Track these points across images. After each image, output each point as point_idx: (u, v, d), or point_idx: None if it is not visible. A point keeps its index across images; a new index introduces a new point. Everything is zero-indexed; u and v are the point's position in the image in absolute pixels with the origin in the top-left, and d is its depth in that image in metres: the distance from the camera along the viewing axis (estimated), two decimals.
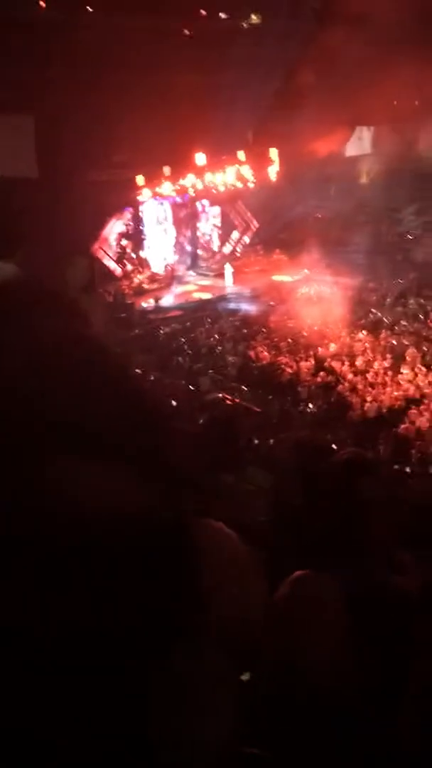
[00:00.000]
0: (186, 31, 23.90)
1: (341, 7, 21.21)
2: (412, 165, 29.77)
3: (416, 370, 18.89)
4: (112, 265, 26.92)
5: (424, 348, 20.24)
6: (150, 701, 1.00)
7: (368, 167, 33.95)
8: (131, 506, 0.99)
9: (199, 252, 30.41)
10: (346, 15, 20.52)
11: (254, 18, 24.18)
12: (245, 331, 22.86)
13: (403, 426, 15.91)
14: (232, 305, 25.61)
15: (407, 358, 19.70)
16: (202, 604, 1.06)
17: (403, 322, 22.77)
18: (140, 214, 27.94)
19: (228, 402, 17.49)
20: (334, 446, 12.29)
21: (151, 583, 1.00)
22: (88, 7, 20.19)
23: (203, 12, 23.50)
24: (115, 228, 27.19)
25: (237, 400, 17.26)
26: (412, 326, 22.36)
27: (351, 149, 32.56)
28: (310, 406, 17.28)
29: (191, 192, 28.00)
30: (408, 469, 13.10)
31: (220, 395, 17.80)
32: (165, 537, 1.03)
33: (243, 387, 18.52)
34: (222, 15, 23.37)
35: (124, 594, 0.99)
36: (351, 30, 19.73)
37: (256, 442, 12.92)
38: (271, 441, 12.71)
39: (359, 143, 32.78)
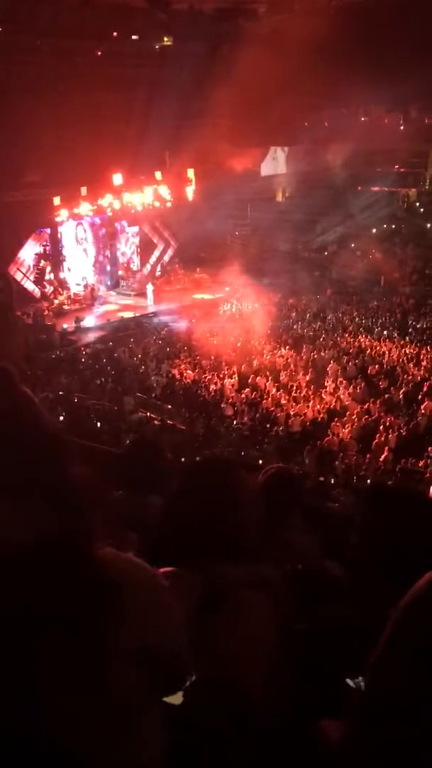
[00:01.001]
0: (98, 52, 23.94)
1: (253, 29, 21.74)
2: (325, 183, 30.64)
3: (337, 383, 19.30)
4: (30, 286, 26.50)
5: (344, 361, 20.70)
6: (71, 730, 0.99)
7: (283, 186, 34.77)
8: (37, 537, 0.99)
9: (120, 272, 30.30)
10: (257, 37, 21.03)
11: (166, 40, 24.45)
12: (168, 349, 22.86)
13: (326, 439, 16.18)
14: (154, 324, 25.59)
15: (328, 372, 20.10)
16: (115, 632, 1.06)
17: (323, 337, 23.26)
18: (58, 234, 27.66)
19: (154, 421, 17.43)
20: (260, 461, 12.37)
21: (57, 618, 1.01)
22: None
23: (115, 33, 23.60)
24: (32, 249, 26.80)
25: (162, 419, 17.27)
26: (331, 340, 22.86)
27: (266, 169, 33.25)
28: (235, 422, 17.37)
29: (109, 212, 27.93)
30: (332, 481, 13.31)
31: (145, 415, 17.76)
32: (66, 570, 1.04)
33: (167, 406, 18.47)
34: (134, 36, 23.53)
35: (32, 627, 0.99)
36: (262, 53, 20.20)
37: (183, 460, 12.91)
38: (197, 459, 12.73)
39: (274, 163, 33.52)
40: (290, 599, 1.80)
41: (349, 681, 1.80)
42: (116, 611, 1.10)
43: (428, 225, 31.37)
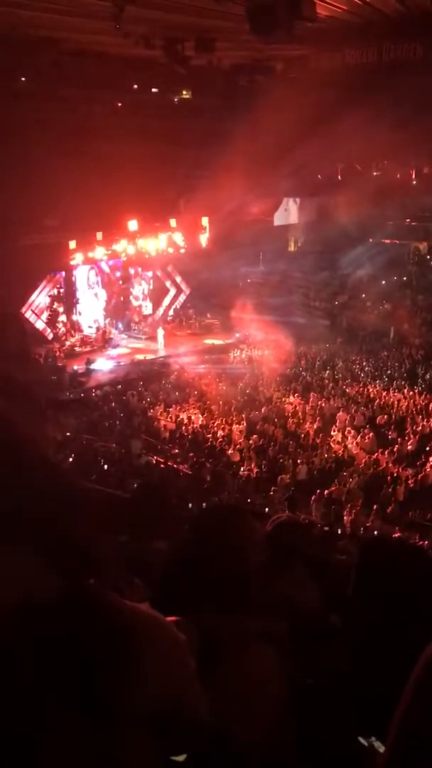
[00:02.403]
0: (119, 103, 24.62)
1: (269, 84, 22.31)
2: (337, 235, 31.05)
3: (345, 432, 19.25)
4: (42, 326, 26.78)
5: (353, 410, 20.67)
6: None
7: (295, 236, 35.27)
8: (41, 593, 0.97)
9: (132, 315, 30.60)
10: (273, 92, 21.57)
11: (185, 93, 25.12)
12: (177, 394, 22.93)
13: (333, 488, 16.08)
14: (164, 368, 25.73)
15: (336, 420, 20.08)
16: (132, 694, 1.04)
17: (332, 385, 23.29)
18: (72, 277, 28.05)
19: (161, 465, 17.42)
20: (266, 509, 12.30)
21: (69, 670, 0.98)
22: (22, 78, 20.55)
23: (135, 86, 24.29)
24: (46, 291, 27.17)
25: (169, 463, 17.24)
26: (340, 389, 22.88)
27: (279, 219, 33.77)
28: (243, 469, 17.31)
29: (123, 257, 28.35)
30: (339, 531, 13.19)
31: (152, 459, 17.74)
32: (81, 623, 1.01)
33: (175, 450, 18.46)
34: (154, 89, 24.17)
35: (40, 683, 0.97)
36: (278, 107, 20.68)
37: (190, 506, 12.85)
38: (204, 505, 12.67)
39: (286, 213, 34.05)
40: (294, 653, 1.80)
41: (361, 740, 1.78)
42: (134, 670, 1.06)
43: None
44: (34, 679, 0.97)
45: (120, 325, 29.77)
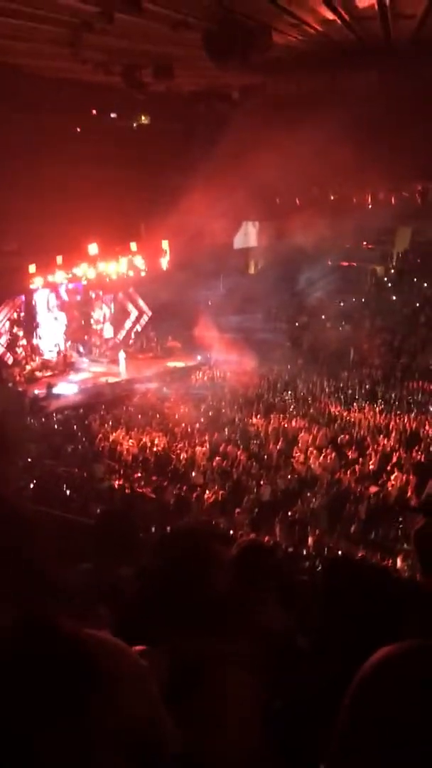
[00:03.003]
0: (77, 128, 24.73)
1: (225, 112, 22.67)
2: (295, 257, 31.47)
3: (308, 452, 19.37)
4: (2, 351, 26.50)
5: (314, 431, 20.83)
6: None
7: (255, 259, 35.63)
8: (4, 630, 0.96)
9: (93, 339, 30.47)
10: (231, 118, 21.92)
11: (143, 119, 25.36)
12: (140, 417, 22.84)
13: (296, 508, 16.15)
14: (126, 392, 25.64)
15: (299, 441, 20.20)
16: (101, 722, 1.03)
17: (293, 406, 23.46)
18: (32, 301, 27.86)
19: (124, 490, 17.23)
20: (231, 531, 12.27)
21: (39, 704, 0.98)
22: None
23: (94, 111, 24.45)
24: (5, 315, 26.91)
25: (133, 487, 17.11)
26: (302, 410, 23.05)
27: (239, 242, 34.10)
28: (207, 491, 17.28)
29: (84, 281, 28.28)
30: (303, 552, 13.23)
31: (116, 483, 17.59)
32: (36, 652, 1.00)
33: (138, 474, 18.34)
34: (112, 114, 24.38)
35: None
36: (235, 132, 21.02)
37: (153, 530, 12.76)
38: (168, 529, 12.60)
39: (245, 237, 34.42)
40: (264, 676, 1.81)
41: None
42: (101, 699, 1.07)
43: (394, 299, 32.24)
44: (7, 707, 0.97)
45: (81, 349, 29.61)
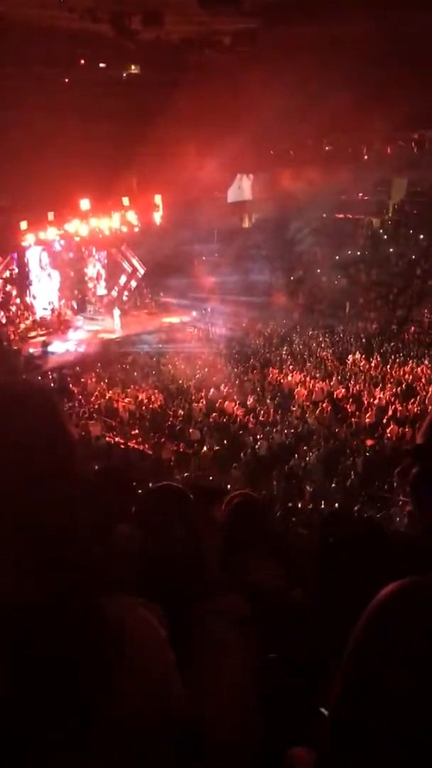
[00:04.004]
0: (65, 79, 24.09)
1: (217, 60, 22.12)
2: (290, 211, 31.08)
3: (304, 407, 19.43)
4: None
5: (310, 385, 20.86)
6: None
7: (249, 213, 35.17)
8: (36, 598, 0.93)
9: (87, 296, 30.25)
10: (223, 67, 21.40)
11: (133, 68, 24.71)
12: (136, 374, 22.82)
13: (293, 462, 16.26)
14: (121, 348, 25.55)
15: (295, 395, 20.24)
16: (112, 683, 1.03)
17: (290, 361, 23.43)
18: (25, 259, 27.54)
19: (121, 447, 17.33)
20: (228, 486, 12.36)
21: (66, 675, 0.97)
22: None
23: (82, 61, 23.79)
24: None
25: (130, 444, 17.19)
26: (298, 364, 23.04)
27: (232, 195, 33.62)
28: (204, 447, 17.36)
29: (76, 237, 27.93)
30: (300, 506, 13.36)
31: (113, 440, 17.66)
32: (69, 624, 0.99)
33: (135, 431, 18.40)
34: (101, 64, 23.72)
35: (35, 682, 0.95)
36: (228, 82, 20.53)
37: (150, 485, 12.84)
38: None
39: (239, 191, 33.91)
40: (257, 631, 1.81)
41: (323, 710, 1.82)
42: (119, 666, 1.06)
43: (391, 251, 31.94)
44: (21, 684, 0.96)
45: (75, 307, 29.42)
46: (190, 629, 1.67)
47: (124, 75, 24.68)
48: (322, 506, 13.66)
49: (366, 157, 27.86)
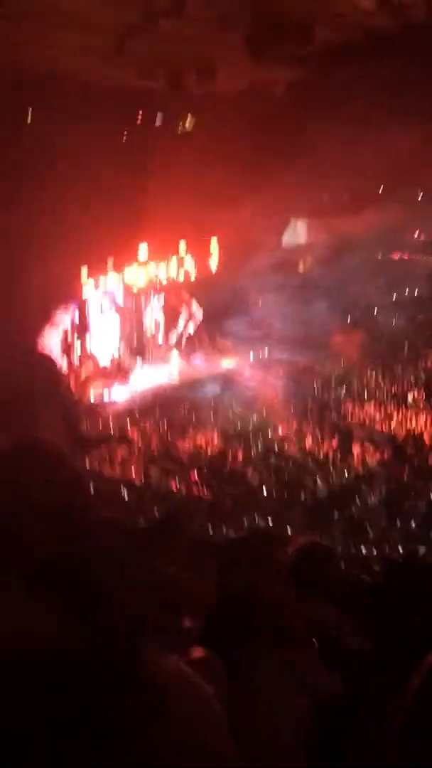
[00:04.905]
0: (125, 133, 24.98)
1: (269, 110, 22.59)
2: (346, 252, 31.08)
3: (364, 449, 19.15)
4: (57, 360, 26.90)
5: (370, 428, 20.57)
6: None
7: (304, 256, 35.32)
8: (70, 647, 0.92)
9: (146, 343, 30.68)
10: (273, 118, 21.84)
11: (188, 124, 25.46)
12: (194, 418, 22.92)
13: (354, 506, 15.98)
14: (179, 394, 25.74)
15: (354, 437, 19.98)
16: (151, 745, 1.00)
17: (348, 403, 23.18)
18: (85, 306, 28.20)
19: (181, 491, 17.39)
20: (288, 529, 12.23)
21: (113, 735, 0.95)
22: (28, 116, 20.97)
23: (140, 117, 24.67)
24: (60, 321, 27.33)
25: (188, 490, 17.20)
26: (357, 406, 22.77)
27: (287, 239, 33.87)
28: (263, 491, 17.25)
29: (135, 284, 28.53)
30: (363, 551, 13.08)
31: (172, 484, 17.73)
32: (109, 680, 0.96)
33: (194, 475, 18.42)
34: (157, 122, 24.53)
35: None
36: (282, 133, 20.94)
37: (210, 532, 12.80)
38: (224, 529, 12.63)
39: (294, 234, 34.14)
40: (319, 678, 1.79)
41: None
42: (160, 731, 1.03)
43: None
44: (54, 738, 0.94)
45: (134, 354, 29.85)
46: (249, 679, 1.66)
47: (179, 130, 25.43)
48: (386, 551, 13.33)
49: (420, 197, 27.80)
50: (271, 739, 1.57)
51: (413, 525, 14.86)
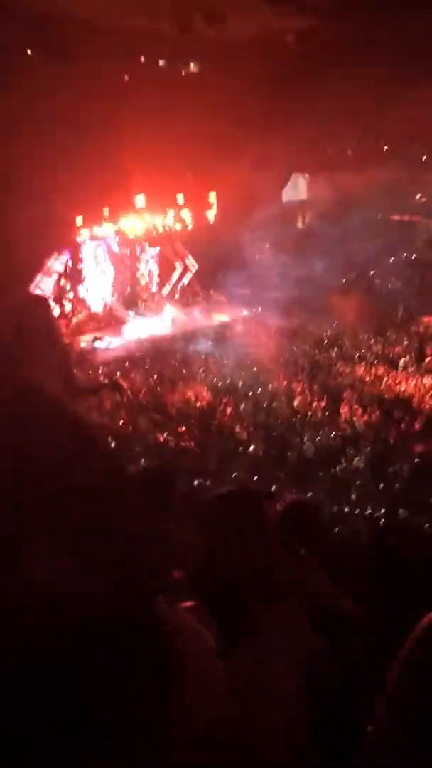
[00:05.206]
0: (125, 77, 24.33)
1: (276, 59, 22.00)
2: (345, 211, 30.74)
3: (352, 410, 19.20)
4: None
5: (360, 389, 20.61)
6: None
7: (303, 212, 34.93)
8: (107, 604, 0.89)
9: (139, 293, 30.48)
10: (280, 68, 21.29)
11: (192, 67, 24.80)
12: (185, 371, 22.88)
13: (339, 466, 16.09)
14: (171, 345, 25.67)
15: (343, 399, 20.01)
16: (170, 699, 0.99)
17: (339, 364, 23.18)
18: (79, 254, 27.91)
19: (168, 444, 17.43)
20: (273, 488, 12.31)
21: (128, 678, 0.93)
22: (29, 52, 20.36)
23: (142, 59, 23.98)
24: (53, 267, 27.05)
25: (176, 442, 17.24)
26: (348, 367, 22.77)
27: (288, 195, 33.44)
28: (250, 447, 17.32)
29: (131, 234, 28.18)
30: (346, 510, 13.22)
31: (160, 437, 17.76)
32: (143, 631, 0.94)
33: (182, 428, 18.46)
34: (161, 62, 23.87)
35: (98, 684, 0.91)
36: (287, 83, 20.41)
37: (195, 483, 12.87)
38: (207, 482, 12.71)
39: (295, 190, 33.71)
40: (309, 640, 1.77)
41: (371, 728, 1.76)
42: (177, 683, 1.02)
43: None
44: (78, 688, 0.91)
45: (127, 303, 29.67)
46: (243, 635, 1.64)
47: (183, 73, 24.79)
48: (368, 511, 13.48)
49: (425, 158, 27.41)
50: (270, 702, 1.55)
51: (397, 487, 15.01)
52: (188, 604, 1.54)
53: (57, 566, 0.91)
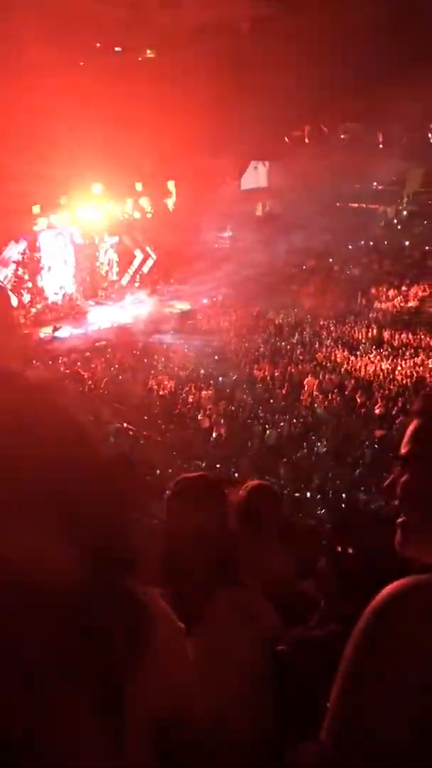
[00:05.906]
0: (80, 63, 23.98)
1: (233, 46, 21.94)
2: (304, 199, 30.87)
3: (313, 396, 19.37)
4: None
5: (320, 375, 20.79)
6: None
7: (263, 201, 34.99)
8: (78, 578, 0.90)
9: (99, 282, 30.21)
10: (237, 55, 21.23)
11: (149, 53, 24.57)
12: (146, 360, 22.81)
13: (300, 452, 16.24)
14: (132, 334, 25.53)
15: (305, 385, 20.18)
16: (138, 679, 1.00)
17: (300, 351, 23.34)
18: (37, 243, 27.52)
19: (129, 432, 17.37)
20: (236, 475, 12.37)
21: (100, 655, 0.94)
22: None
23: (98, 44, 23.67)
24: (10, 256, 26.64)
25: (138, 431, 17.20)
26: (308, 354, 22.95)
27: (246, 183, 33.44)
28: (214, 434, 17.37)
29: (89, 222, 27.87)
30: (308, 495, 13.36)
31: (121, 426, 17.70)
32: (108, 614, 0.96)
33: (144, 417, 18.42)
34: (117, 48, 23.61)
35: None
36: (242, 69, 20.39)
37: (158, 472, 12.88)
38: (169, 470, 12.72)
39: (254, 177, 33.72)
40: (272, 623, 1.80)
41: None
42: (147, 662, 1.03)
43: (405, 242, 31.73)
44: (52, 662, 0.93)
45: (87, 292, 29.40)
46: (204, 619, 1.66)
47: (139, 59, 24.54)
48: (329, 496, 13.65)
49: (381, 146, 27.65)
50: (227, 679, 1.58)
51: (357, 472, 15.20)
52: (157, 590, 1.56)
53: (27, 544, 0.92)
